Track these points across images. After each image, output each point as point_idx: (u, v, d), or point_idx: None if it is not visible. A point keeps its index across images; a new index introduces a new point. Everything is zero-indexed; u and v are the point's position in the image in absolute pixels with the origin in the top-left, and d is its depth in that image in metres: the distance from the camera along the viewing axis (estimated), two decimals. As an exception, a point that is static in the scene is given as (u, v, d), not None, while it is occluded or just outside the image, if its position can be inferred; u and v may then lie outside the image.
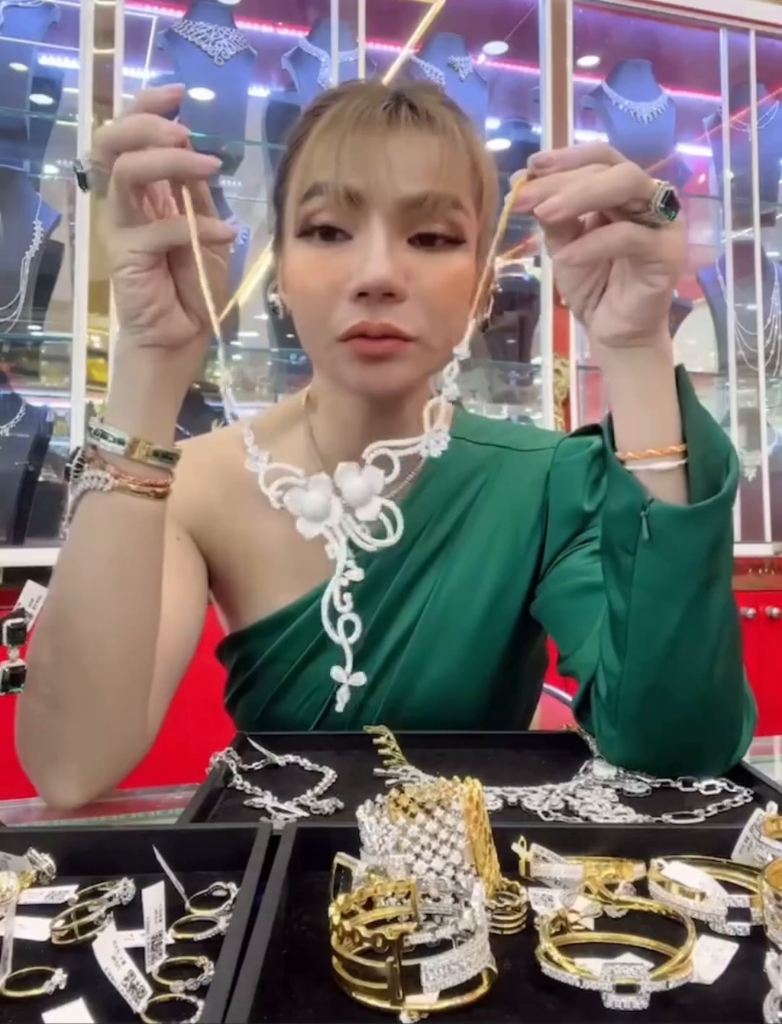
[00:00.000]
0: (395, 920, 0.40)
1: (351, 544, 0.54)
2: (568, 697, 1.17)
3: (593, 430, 0.83)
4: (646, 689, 0.63)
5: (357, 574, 0.51)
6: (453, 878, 0.44)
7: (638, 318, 0.57)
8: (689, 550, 0.58)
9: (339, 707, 0.59)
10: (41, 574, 0.60)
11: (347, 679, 0.53)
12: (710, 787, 0.66)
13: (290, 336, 2.53)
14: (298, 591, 0.79)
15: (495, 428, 0.87)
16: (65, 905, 0.44)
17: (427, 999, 0.35)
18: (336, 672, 0.55)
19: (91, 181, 0.56)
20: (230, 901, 0.44)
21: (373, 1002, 0.35)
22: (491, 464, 0.83)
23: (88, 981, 0.38)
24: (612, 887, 0.44)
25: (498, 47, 2.75)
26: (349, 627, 0.52)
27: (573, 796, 0.64)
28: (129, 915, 0.43)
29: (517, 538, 0.82)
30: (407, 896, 0.41)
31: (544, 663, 0.94)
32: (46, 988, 0.37)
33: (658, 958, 0.39)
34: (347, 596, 0.51)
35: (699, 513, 0.57)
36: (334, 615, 0.51)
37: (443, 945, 0.37)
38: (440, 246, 0.68)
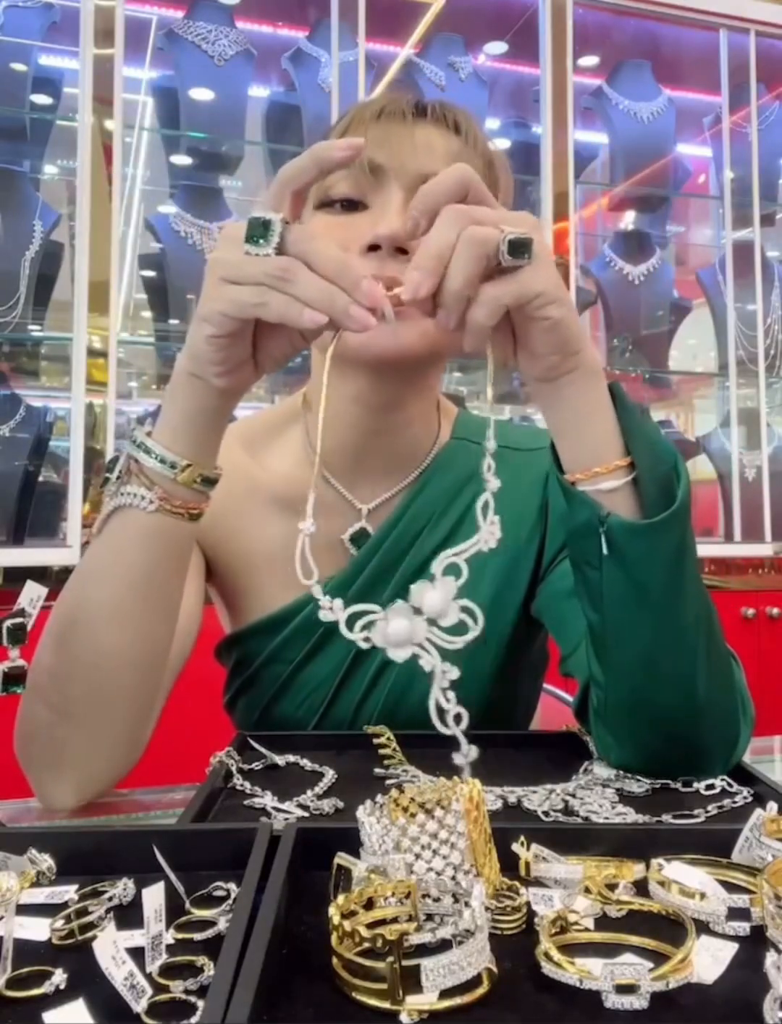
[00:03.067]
0: (395, 920, 0.40)
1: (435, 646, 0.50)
2: (568, 697, 1.17)
3: None
4: (631, 700, 0.63)
5: (455, 673, 0.48)
6: (453, 878, 0.44)
7: (553, 349, 0.57)
8: (652, 562, 0.58)
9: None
10: (41, 574, 0.60)
11: (466, 757, 0.47)
12: (710, 787, 0.66)
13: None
14: (297, 590, 0.77)
15: (497, 428, 0.86)
16: (65, 905, 0.44)
17: (427, 999, 0.35)
18: (458, 757, 0.47)
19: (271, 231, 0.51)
20: (230, 901, 0.44)
21: (373, 1002, 0.35)
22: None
23: (88, 981, 0.38)
24: (612, 887, 0.44)
25: (498, 47, 2.75)
26: (458, 719, 0.47)
27: (573, 796, 0.64)
28: (129, 915, 0.43)
29: (517, 537, 0.82)
30: (407, 896, 0.41)
31: (544, 663, 0.94)
32: (46, 988, 0.37)
33: (658, 958, 0.39)
34: (450, 694, 0.47)
35: (657, 526, 0.57)
36: (442, 712, 0.48)
37: (443, 945, 0.37)
38: None
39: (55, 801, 0.66)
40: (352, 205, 0.70)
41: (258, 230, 0.50)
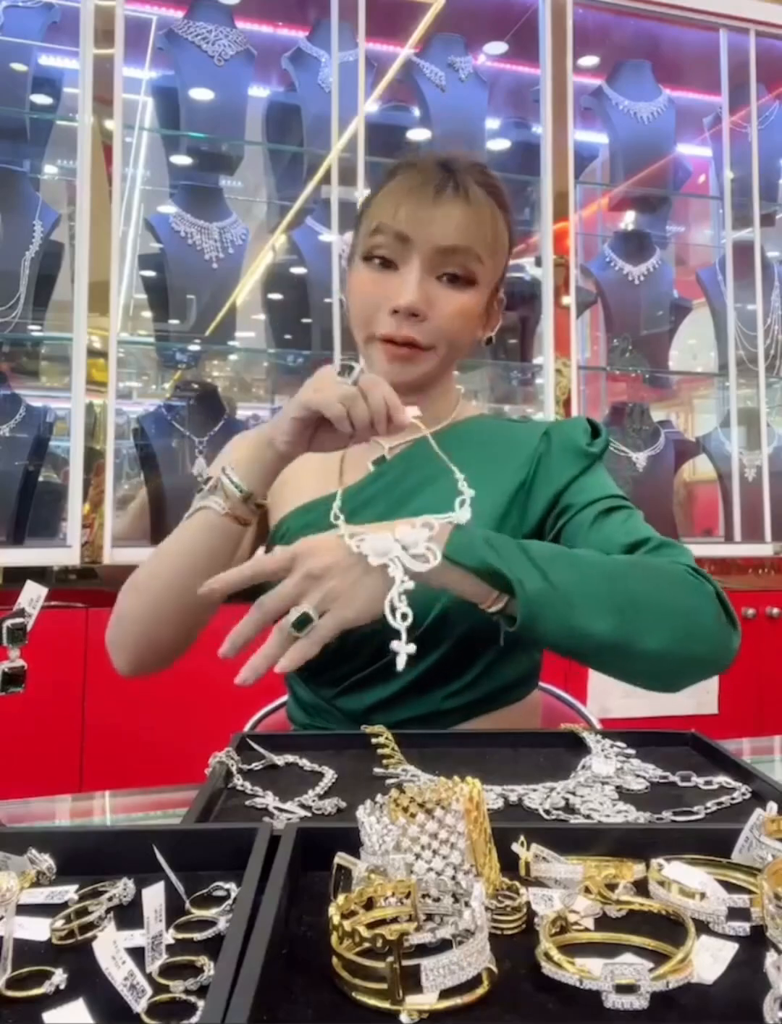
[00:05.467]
0: (395, 920, 0.40)
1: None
2: (568, 697, 1.18)
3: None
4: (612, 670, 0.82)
5: (410, 585, 0.72)
6: (453, 878, 0.44)
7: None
8: (542, 634, 0.76)
9: (398, 666, 0.73)
10: (41, 574, 0.60)
11: (403, 649, 0.71)
12: (708, 782, 0.66)
13: (288, 337, 2.53)
14: (331, 488, 0.96)
15: (498, 420, 1.13)
16: (65, 905, 0.44)
17: (427, 999, 0.35)
18: (396, 645, 0.70)
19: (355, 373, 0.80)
20: (230, 901, 0.44)
21: (373, 1002, 0.35)
22: (500, 427, 1.08)
23: (88, 981, 0.38)
24: (612, 887, 0.44)
25: (498, 47, 2.75)
26: (405, 617, 0.71)
27: (573, 794, 0.64)
28: (129, 915, 0.43)
29: (503, 480, 0.99)
30: (407, 896, 0.41)
31: None
32: (46, 988, 0.37)
33: (658, 958, 0.39)
34: (403, 598, 0.71)
35: (522, 628, 0.75)
36: (393, 609, 0.71)
37: (443, 945, 0.37)
38: (458, 284, 0.95)
39: (119, 668, 0.93)
40: (386, 262, 0.94)
41: (345, 370, 0.80)
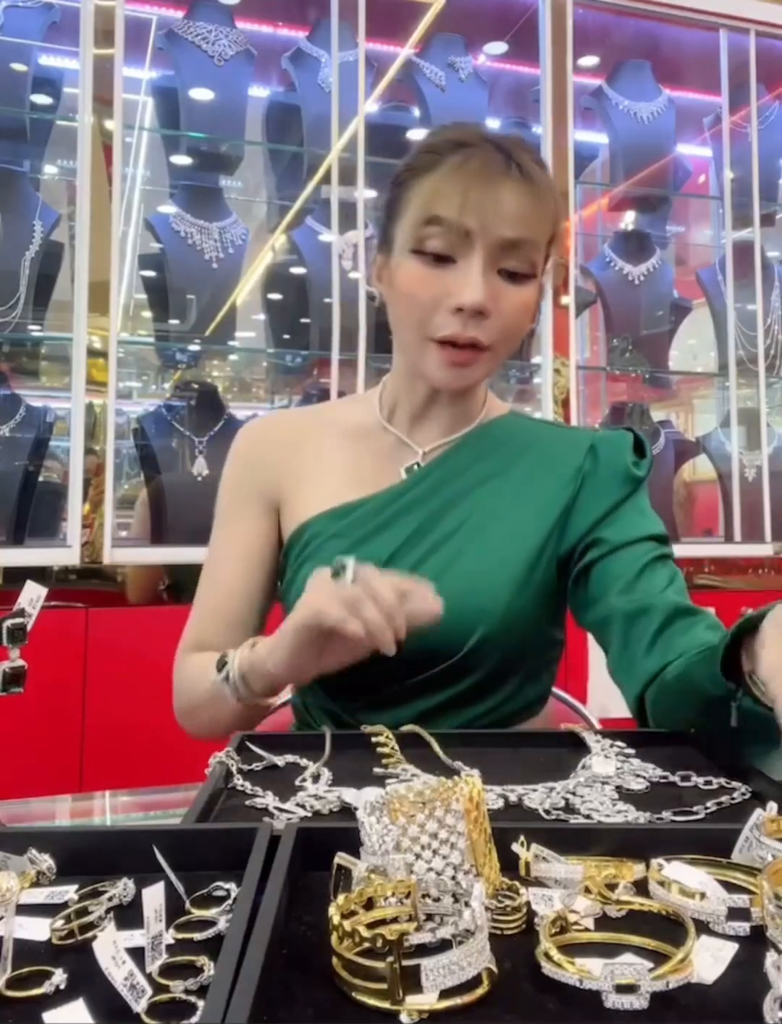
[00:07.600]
0: (395, 920, 0.40)
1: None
2: (568, 697, 1.17)
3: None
4: None
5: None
6: (453, 878, 0.44)
7: None
8: None
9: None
10: (41, 574, 0.60)
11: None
12: (708, 782, 0.66)
13: (288, 337, 2.53)
14: (359, 492, 0.96)
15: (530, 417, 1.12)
16: (65, 905, 0.44)
17: (427, 999, 0.35)
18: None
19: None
20: (230, 901, 0.44)
21: (373, 1002, 0.35)
22: (536, 430, 1.03)
23: (88, 981, 0.38)
24: (612, 887, 0.44)
25: (498, 47, 2.75)
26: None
27: (573, 794, 0.64)
28: (129, 915, 0.43)
29: (546, 492, 0.95)
30: (407, 896, 0.41)
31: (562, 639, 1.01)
32: (46, 988, 0.37)
33: (658, 958, 0.39)
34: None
35: None
36: None
37: (443, 945, 0.37)
38: (520, 278, 0.87)
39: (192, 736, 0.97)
40: (441, 257, 0.85)
41: (339, 571, 0.74)
